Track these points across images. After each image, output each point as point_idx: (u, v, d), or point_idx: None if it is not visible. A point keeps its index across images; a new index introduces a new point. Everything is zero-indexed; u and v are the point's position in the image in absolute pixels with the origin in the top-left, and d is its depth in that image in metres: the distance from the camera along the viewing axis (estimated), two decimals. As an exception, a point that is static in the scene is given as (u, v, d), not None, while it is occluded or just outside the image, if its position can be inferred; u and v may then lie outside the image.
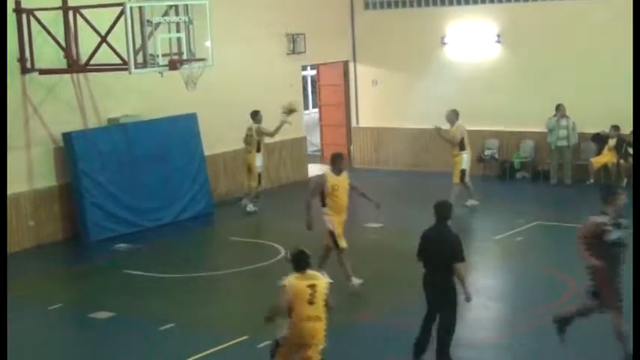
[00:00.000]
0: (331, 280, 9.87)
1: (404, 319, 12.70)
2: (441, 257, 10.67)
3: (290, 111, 20.19)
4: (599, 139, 21.43)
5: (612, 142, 21.18)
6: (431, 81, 23.88)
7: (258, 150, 20.01)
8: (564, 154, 21.70)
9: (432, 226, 10.97)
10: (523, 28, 22.58)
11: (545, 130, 21.78)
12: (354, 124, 25.68)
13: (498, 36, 22.99)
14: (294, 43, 23.15)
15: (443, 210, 10.91)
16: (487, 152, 23.21)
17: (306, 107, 27.35)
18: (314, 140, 26.66)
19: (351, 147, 25.58)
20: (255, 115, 19.90)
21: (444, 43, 23.74)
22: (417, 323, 12.36)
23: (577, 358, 11.28)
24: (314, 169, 24.39)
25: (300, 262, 9.77)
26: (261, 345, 11.69)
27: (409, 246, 16.47)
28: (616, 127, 21.07)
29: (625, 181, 20.84)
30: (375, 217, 18.68)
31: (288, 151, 23.32)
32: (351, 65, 25.36)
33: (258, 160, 20.04)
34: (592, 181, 21.27)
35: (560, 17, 22.02)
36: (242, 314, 13.33)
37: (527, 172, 22.72)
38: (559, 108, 21.48)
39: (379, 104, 25.15)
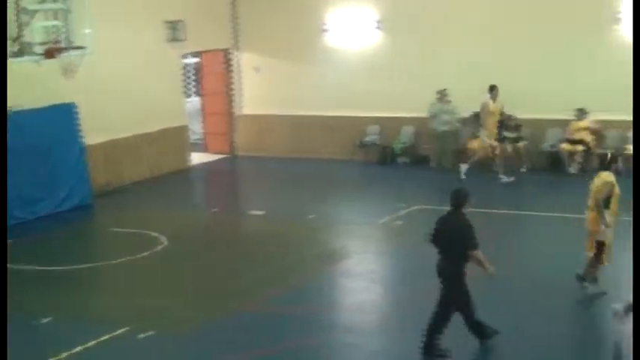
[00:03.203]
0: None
1: (290, 306, 12.77)
2: (452, 244, 10.50)
3: None
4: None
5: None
6: (313, 68, 23.99)
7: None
8: (447, 138, 22.04)
9: (445, 213, 10.72)
10: (403, 14, 22.81)
11: (426, 115, 22.11)
12: (237, 111, 25.62)
13: (378, 22, 23.20)
14: (174, 31, 22.91)
15: (457, 197, 10.64)
16: (368, 138, 23.47)
17: (188, 95, 27.14)
18: (196, 129, 26.51)
19: (234, 135, 25.54)
20: (491, 90, 20.42)
21: (324, 30, 23.85)
22: (303, 310, 12.47)
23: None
24: (196, 157, 24.32)
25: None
26: (142, 336, 11.63)
27: (292, 232, 16.78)
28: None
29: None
30: (257, 205, 18.78)
31: (170, 139, 23.11)
32: (234, 53, 25.28)
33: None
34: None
35: (440, 2, 22.35)
36: (123, 305, 13.19)
37: (407, 158, 23.04)
38: (441, 93, 21.82)
39: (262, 92, 25.13)
